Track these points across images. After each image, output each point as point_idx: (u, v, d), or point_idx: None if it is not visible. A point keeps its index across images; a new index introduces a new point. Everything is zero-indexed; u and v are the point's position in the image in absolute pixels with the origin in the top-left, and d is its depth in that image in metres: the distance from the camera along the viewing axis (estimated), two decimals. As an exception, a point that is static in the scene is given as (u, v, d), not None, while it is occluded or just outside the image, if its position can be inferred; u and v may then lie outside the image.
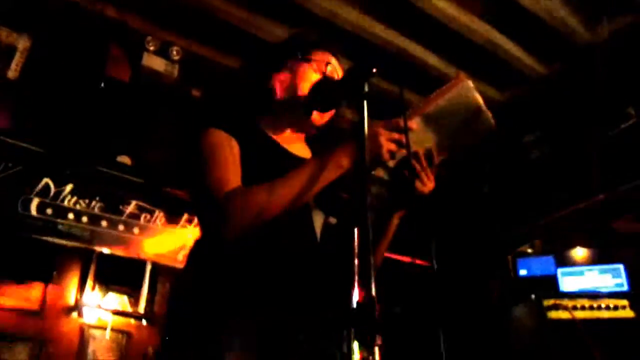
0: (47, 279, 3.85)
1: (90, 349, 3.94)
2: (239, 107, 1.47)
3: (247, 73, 1.58)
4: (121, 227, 3.69)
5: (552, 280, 4.73)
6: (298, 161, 1.33)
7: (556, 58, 4.13)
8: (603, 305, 2.32)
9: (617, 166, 4.43)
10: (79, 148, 3.88)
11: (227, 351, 1.06)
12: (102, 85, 3.86)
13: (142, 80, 4.04)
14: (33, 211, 3.38)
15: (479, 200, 5.32)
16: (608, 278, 4.66)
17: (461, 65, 4.01)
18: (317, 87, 1.37)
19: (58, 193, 3.50)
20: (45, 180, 3.48)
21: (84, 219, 3.56)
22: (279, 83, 1.43)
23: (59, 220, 3.46)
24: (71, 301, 3.96)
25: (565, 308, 2.25)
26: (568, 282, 4.69)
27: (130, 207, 3.78)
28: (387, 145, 1.13)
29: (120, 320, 4.12)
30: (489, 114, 1.27)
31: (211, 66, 4.06)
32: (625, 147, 4.38)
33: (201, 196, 1.23)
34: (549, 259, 4.92)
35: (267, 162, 1.29)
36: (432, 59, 4.00)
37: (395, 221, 1.38)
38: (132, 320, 4.15)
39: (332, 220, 1.37)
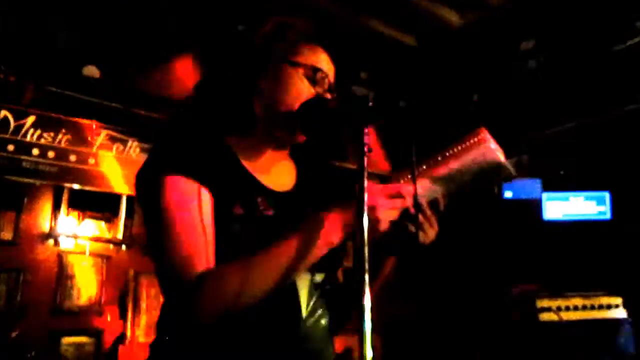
0: (17, 209, 3.68)
1: (69, 275, 3.91)
2: (208, 129, 1.21)
3: (221, 84, 1.28)
4: (92, 161, 3.43)
5: (537, 205, 4.74)
6: (277, 198, 1.16)
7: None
8: (596, 305, 2.28)
9: (620, 84, 4.23)
10: (37, 63, 3.49)
11: None
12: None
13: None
14: (-7, 149, 3.10)
15: (467, 108, 5.11)
16: (592, 205, 4.66)
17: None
18: (307, 111, 1.13)
19: (19, 127, 3.18)
20: (3, 112, 3.15)
21: (50, 154, 3.27)
22: (257, 94, 1.19)
23: (22, 157, 3.18)
24: (46, 229, 3.84)
25: (557, 310, 2.20)
26: (552, 207, 4.70)
27: (101, 138, 3.48)
28: (387, 217, 1.00)
29: (98, 245, 4.04)
30: (510, 168, 1.14)
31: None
32: (631, 65, 4.15)
33: (165, 272, 1.06)
34: (536, 182, 4.87)
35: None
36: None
37: (389, 265, 1.25)
38: (111, 246, 4.08)
39: (319, 278, 1.19)
